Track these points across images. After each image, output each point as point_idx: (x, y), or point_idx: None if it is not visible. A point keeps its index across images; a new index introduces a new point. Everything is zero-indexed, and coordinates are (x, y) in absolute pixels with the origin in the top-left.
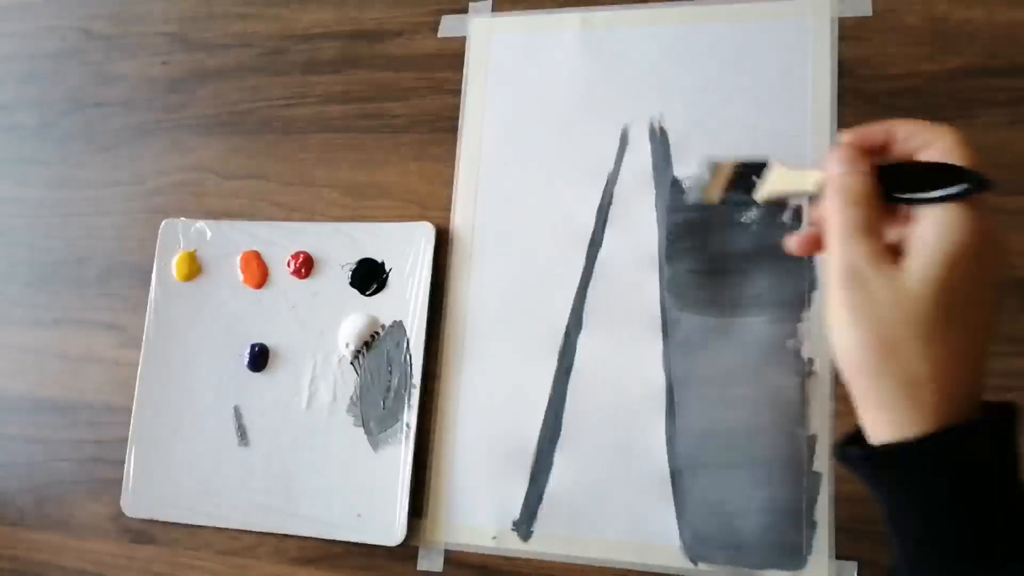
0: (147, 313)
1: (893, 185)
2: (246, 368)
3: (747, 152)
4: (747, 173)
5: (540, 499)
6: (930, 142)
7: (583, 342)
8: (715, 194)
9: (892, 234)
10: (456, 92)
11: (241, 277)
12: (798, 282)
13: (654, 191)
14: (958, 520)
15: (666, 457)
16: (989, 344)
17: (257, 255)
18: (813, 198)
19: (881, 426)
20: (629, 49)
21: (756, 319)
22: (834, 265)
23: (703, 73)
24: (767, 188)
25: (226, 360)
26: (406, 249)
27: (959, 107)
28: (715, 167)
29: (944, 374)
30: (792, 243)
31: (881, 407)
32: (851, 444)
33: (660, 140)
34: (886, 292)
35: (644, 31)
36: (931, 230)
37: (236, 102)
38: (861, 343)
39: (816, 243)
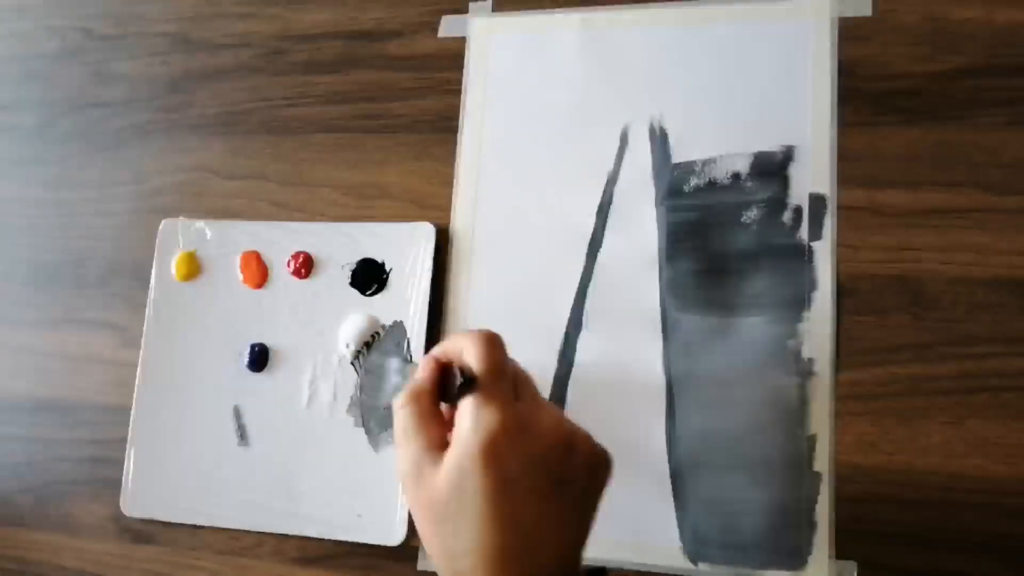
0: (147, 313)
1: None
2: (246, 368)
3: (747, 150)
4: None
5: None
6: (462, 348)
7: (583, 342)
8: (368, 396)
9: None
10: (456, 92)
11: (241, 277)
12: (798, 282)
13: (654, 191)
14: None
15: (666, 457)
16: (553, 525)
17: (257, 255)
18: None
19: None
20: (629, 49)
21: (756, 319)
22: (398, 464)
23: (703, 73)
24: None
25: (226, 360)
26: (406, 249)
27: (959, 107)
28: (366, 368)
29: (481, 567)
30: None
31: None
32: None
33: (660, 140)
34: (426, 492)
35: (644, 31)
36: (454, 437)
37: (236, 102)
38: (424, 539)
39: None
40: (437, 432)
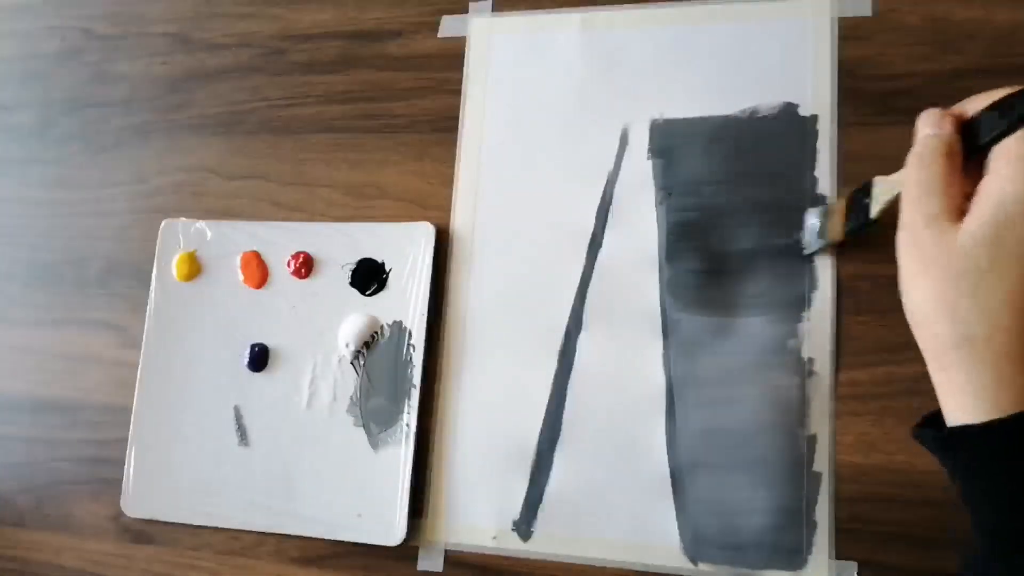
0: (147, 313)
1: (974, 142)
2: (246, 368)
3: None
4: (857, 199)
5: (540, 499)
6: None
7: (583, 342)
8: (837, 231)
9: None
10: (456, 92)
11: (241, 277)
12: (798, 282)
13: (654, 191)
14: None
15: (666, 457)
16: None
17: (257, 255)
18: None
19: (953, 400)
20: (629, 49)
21: (756, 319)
22: (900, 224)
23: (703, 73)
24: (878, 203)
25: (226, 360)
26: (406, 249)
27: None
28: (826, 209)
29: (1002, 334)
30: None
31: (946, 375)
32: (929, 425)
33: (660, 140)
34: (940, 249)
35: (644, 31)
36: (994, 180)
37: (236, 102)
38: (919, 301)
39: None
40: (960, 194)
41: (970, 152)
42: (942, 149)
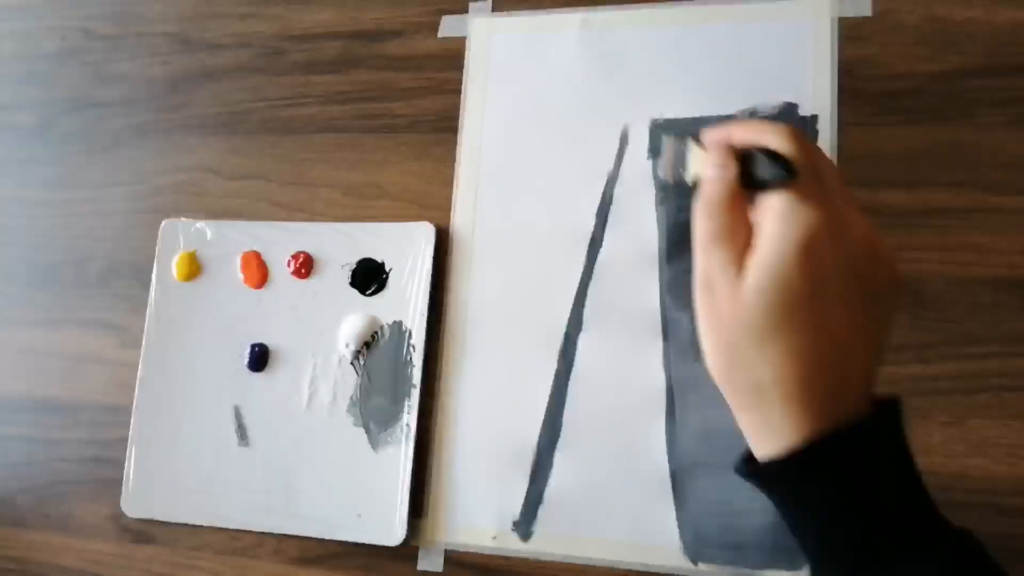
0: (147, 313)
1: (750, 178)
2: (246, 368)
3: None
4: (678, 155)
5: (540, 499)
6: (762, 138)
7: (583, 342)
8: (668, 172)
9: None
10: (456, 92)
11: (241, 277)
12: None
13: (654, 191)
14: (844, 526)
15: (666, 457)
16: (861, 337)
17: (257, 255)
18: None
19: (755, 438)
20: (629, 49)
21: None
22: (696, 270)
23: (703, 73)
24: (690, 174)
25: (226, 360)
26: (406, 249)
27: (959, 107)
28: (663, 144)
29: (789, 377)
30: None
31: (745, 416)
32: (748, 460)
33: (660, 140)
34: (729, 300)
35: (644, 31)
36: (763, 239)
37: (236, 102)
38: (713, 350)
39: None
40: (746, 238)
41: (747, 184)
42: (727, 196)
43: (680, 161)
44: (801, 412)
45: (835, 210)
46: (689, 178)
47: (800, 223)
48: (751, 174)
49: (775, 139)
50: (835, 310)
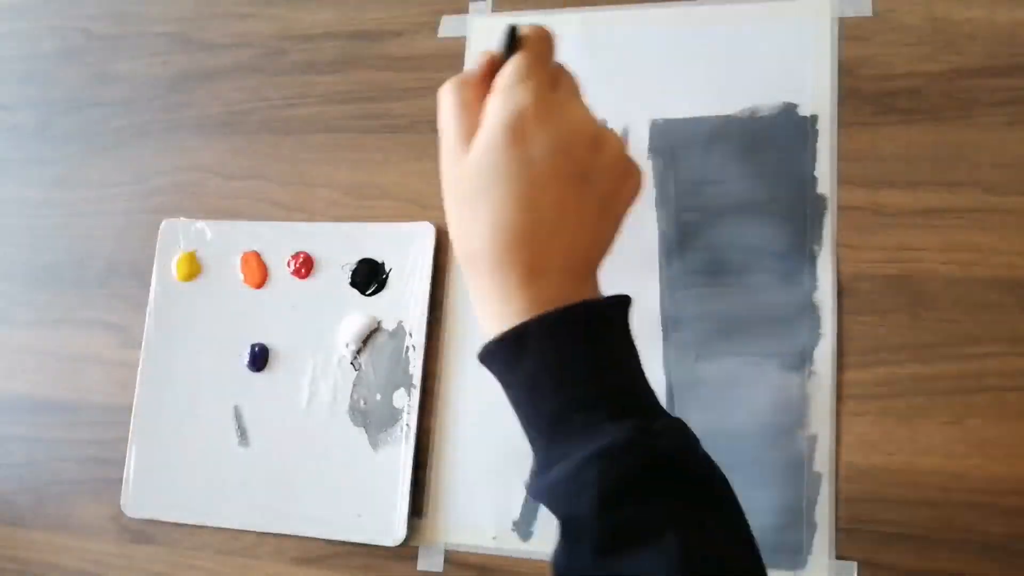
0: (147, 313)
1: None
2: (246, 368)
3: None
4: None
5: None
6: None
7: None
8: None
9: None
10: None
11: (241, 277)
12: (798, 282)
13: (654, 191)
14: (545, 401)
15: None
16: (571, 217)
17: (257, 255)
18: None
19: (479, 310)
20: (629, 49)
21: (756, 319)
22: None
23: (703, 73)
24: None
25: (226, 360)
26: (406, 249)
27: (959, 107)
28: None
29: (493, 246)
30: None
31: (471, 284)
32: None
33: (660, 140)
34: (454, 174)
35: (644, 31)
36: (485, 116)
37: (236, 102)
38: (448, 218)
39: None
40: (475, 120)
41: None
42: (456, 81)
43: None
44: (505, 280)
45: (549, 96)
46: None
47: (511, 103)
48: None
49: (524, 34)
50: (539, 188)
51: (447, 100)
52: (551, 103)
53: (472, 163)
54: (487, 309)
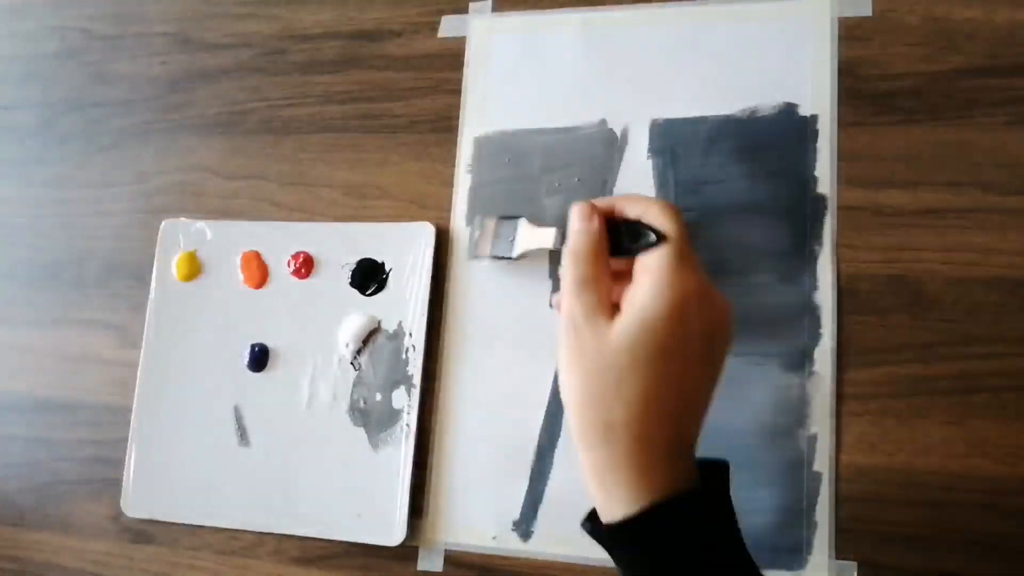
0: (147, 313)
1: (617, 244)
2: (246, 368)
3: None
4: (504, 231)
5: (540, 499)
6: (643, 211)
7: None
8: (485, 249)
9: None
10: (456, 92)
11: (241, 277)
12: (798, 282)
13: (654, 191)
14: None
15: None
16: (699, 395)
17: (257, 255)
18: (555, 253)
19: (598, 487)
20: (629, 49)
21: (756, 319)
22: (563, 312)
23: (703, 73)
24: (520, 248)
25: (226, 360)
26: (406, 249)
27: (959, 107)
28: (482, 223)
29: (640, 418)
30: (553, 301)
31: (591, 455)
32: (592, 519)
33: (660, 140)
34: (594, 340)
35: (644, 31)
36: (639, 291)
37: (236, 102)
38: (572, 385)
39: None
40: (609, 287)
41: (613, 251)
42: (593, 249)
43: (506, 237)
44: (648, 459)
45: (705, 281)
46: (516, 252)
47: (678, 284)
48: (618, 242)
49: (655, 209)
50: (690, 368)
51: (583, 263)
52: (708, 285)
53: (623, 336)
54: (615, 478)
